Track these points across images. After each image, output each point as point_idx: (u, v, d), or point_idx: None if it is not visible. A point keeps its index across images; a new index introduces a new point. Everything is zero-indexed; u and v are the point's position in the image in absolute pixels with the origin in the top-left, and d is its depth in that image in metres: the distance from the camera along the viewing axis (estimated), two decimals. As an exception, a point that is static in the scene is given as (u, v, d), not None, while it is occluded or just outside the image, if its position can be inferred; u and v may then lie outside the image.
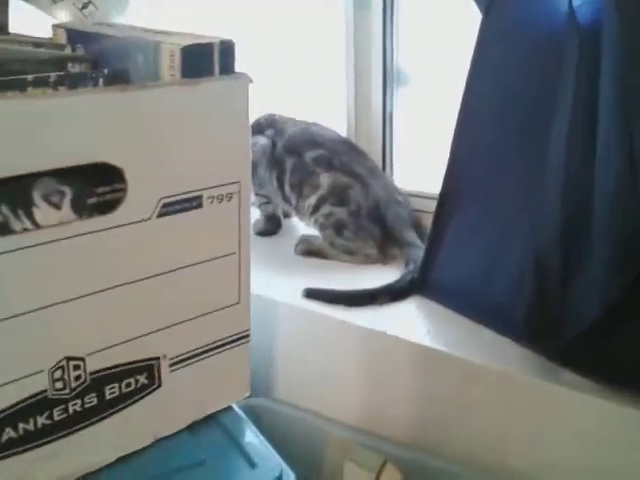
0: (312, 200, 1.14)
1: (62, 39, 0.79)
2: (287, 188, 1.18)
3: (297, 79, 1.36)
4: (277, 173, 1.20)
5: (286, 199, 1.20)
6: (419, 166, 1.25)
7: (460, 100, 0.94)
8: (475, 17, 0.93)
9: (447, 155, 0.95)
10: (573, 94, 0.78)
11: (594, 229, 0.74)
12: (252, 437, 0.74)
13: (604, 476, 0.76)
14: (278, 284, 1.06)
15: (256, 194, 1.25)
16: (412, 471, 0.83)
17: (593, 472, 0.77)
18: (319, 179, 1.14)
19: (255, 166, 1.23)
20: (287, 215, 1.32)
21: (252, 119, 1.17)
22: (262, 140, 1.21)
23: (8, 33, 0.86)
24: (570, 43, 0.80)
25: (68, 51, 0.76)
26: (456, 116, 0.94)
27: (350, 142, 1.22)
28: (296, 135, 1.20)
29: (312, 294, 1.00)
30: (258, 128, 1.23)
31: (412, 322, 0.92)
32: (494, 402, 0.82)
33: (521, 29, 0.89)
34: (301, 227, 1.25)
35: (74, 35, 0.78)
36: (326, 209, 1.12)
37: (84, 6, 1.09)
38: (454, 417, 0.86)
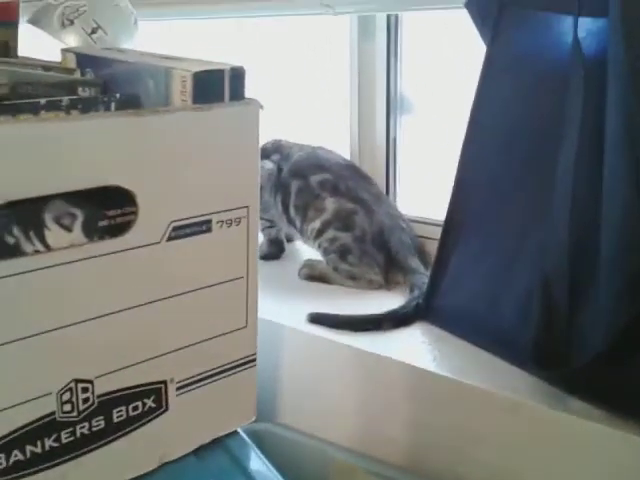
0: (317, 224, 1.14)
1: (71, 63, 0.80)
2: (292, 211, 1.19)
3: (303, 106, 1.37)
4: (282, 197, 1.20)
5: (290, 222, 1.20)
6: (422, 193, 1.25)
7: (465, 129, 0.94)
8: (479, 47, 0.94)
9: (451, 183, 0.96)
10: (580, 124, 0.79)
11: (602, 258, 0.74)
12: (257, 462, 0.74)
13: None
14: (283, 308, 1.06)
15: (260, 218, 1.25)
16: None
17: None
18: (324, 203, 1.14)
19: (260, 190, 1.23)
20: (290, 239, 1.32)
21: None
22: (268, 165, 1.22)
23: (17, 56, 0.87)
24: (575, 74, 0.80)
25: (77, 75, 0.77)
26: (460, 145, 0.94)
27: (355, 166, 1.22)
28: (302, 159, 1.21)
29: (316, 319, 1.00)
30: (264, 153, 1.23)
31: (418, 348, 0.91)
32: (500, 430, 0.82)
33: (526, 60, 0.89)
34: (305, 251, 1.25)
35: (83, 59, 0.79)
36: (330, 234, 1.12)
37: (93, 31, 1.11)
38: (460, 445, 0.86)
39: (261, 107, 0.68)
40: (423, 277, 1.04)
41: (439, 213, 0.99)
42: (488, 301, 0.89)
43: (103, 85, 0.74)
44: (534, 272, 0.82)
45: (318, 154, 1.22)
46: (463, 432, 0.85)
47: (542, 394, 0.79)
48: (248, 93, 0.67)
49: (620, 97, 0.73)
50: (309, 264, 1.17)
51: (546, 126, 0.84)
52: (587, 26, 0.80)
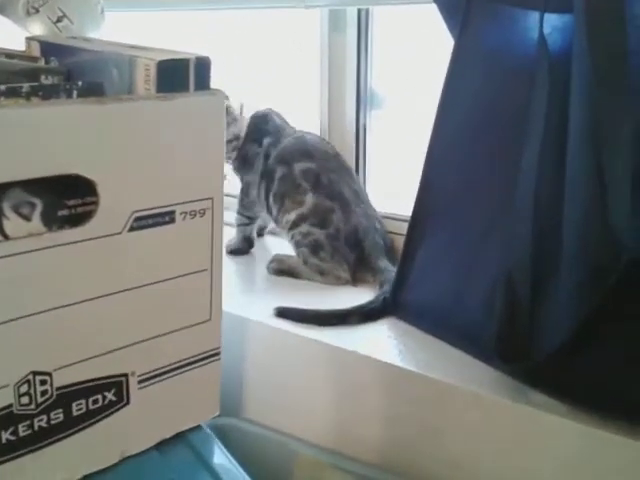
0: (292, 216, 1.14)
1: (35, 52, 0.79)
2: (271, 198, 1.18)
3: (272, 99, 1.36)
4: (265, 184, 1.19)
5: (269, 209, 1.20)
6: (391, 188, 1.25)
7: (432, 123, 0.94)
8: (448, 42, 0.94)
9: (419, 177, 0.96)
10: (544, 120, 0.79)
11: (564, 252, 0.75)
12: (221, 457, 0.73)
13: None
14: (249, 302, 1.05)
15: (240, 214, 1.25)
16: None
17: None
18: (304, 197, 1.13)
19: (248, 187, 1.23)
20: (260, 234, 1.31)
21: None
22: (259, 161, 1.22)
23: (-20, 45, 0.85)
24: (541, 69, 0.81)
25: (41, 63, 0.76)
26: (428, 138, 0.95)
27: (340, 158, 1.21)
28: (289, 144, 1.19)
29: (283, 313, 0.99)
30: (260, 132, 1.23)
31: (384, 342, 0.91)
32: (464, 423, 0.82)
33: (493, 54, 0.90)
34: (273, 246, 1.25)
35: (48, 48, 0.78)
36: (305, 228, 1.12)
37: (59, 19, 1.09)
38: (425, 438, 0.86)
39: (226, 98, 0.67)
40: (392, 274, 1.04)
41: (408, 209, 0.98)
42: (453, 295, 0.89)
43: (67, 74, 0.73)
44: (498, 266, 0.82)
45: (306, 140, 1.20)
46: (427, 425, 0.86)
47: (505, 388, 0.80)
48: (216, 84, 0.67)
49: (583, 93, 0.73)
50: (278, 258, 1.16)
51: (512, 121, 0.85)
52: (553, 22, 0.80)
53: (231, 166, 1.25)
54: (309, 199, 1.13)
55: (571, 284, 0.73)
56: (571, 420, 0.74)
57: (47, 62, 0.76)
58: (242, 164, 1.24)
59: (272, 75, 1.40)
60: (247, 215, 1.25)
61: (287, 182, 1.15)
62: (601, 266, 0.69)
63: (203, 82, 0.66)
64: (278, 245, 1.24)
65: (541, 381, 0.77)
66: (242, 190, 1.25)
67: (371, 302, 1.00)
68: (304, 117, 1.31)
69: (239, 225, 1.26)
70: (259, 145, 1.23)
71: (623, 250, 0.66)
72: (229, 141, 1.20)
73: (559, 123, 0.77)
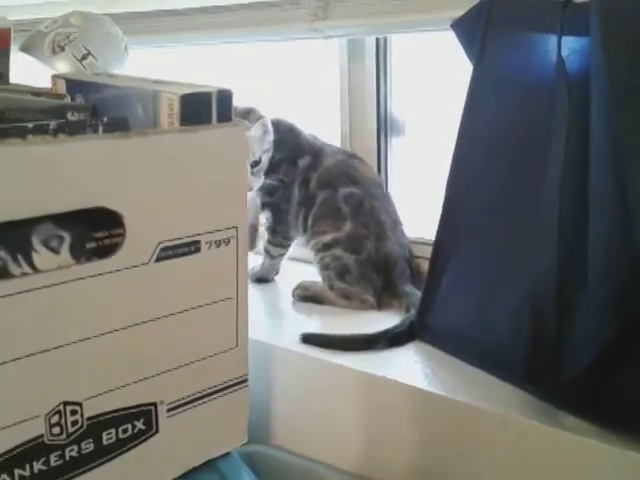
0: (327, 238, 1.13)
1: (61, 89, 0.81)
2: (310, 220, 1.16)
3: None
4: (305, 210, 1.18)
5: (305, 230, 1.18)
6: (414, 213, 1.26)
7: (453, 149, 0.95)
8: (467, 66, 0.95)
9: (441, 202, 0.97)
10: (565, 140, 0.80)
11: (589, 272, 0.74)
12: (250, 484, 0.74)
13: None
14: (275, 329, 1.06)
15: (271, 243, 1.22)
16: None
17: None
18: (343, 222, 1.12)
19: (282, 214, 1.20)
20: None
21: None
22: (295, 187, 1.19)
23: (9, 83, 0.88)
24: (560, 92, 0.81)
25: (67, 100, 0.78)
26: (449, 164, 0.95)
27: (382, 185, 1.20)
28: (333, 166, 1.17)
29: (309, 339, 0.99)
30: (297, 152, 1.19)
31: (410, 366, 0.91)
32: (493, 446, 0.81)
33: (512, 78, 0.90)
34: (296, 274, 1.25)
35: (73, 85, 0.80)
36: (337, 252, 1.11)
37: (84, 57, 1.12)
38: (454, 462, 0.85)
39: (248, 128, 0.69)
40: (418, 298, 1.04)
41: (431, 234, 0.99)
42: (479, 318, 0.89)
43: (92, 110, 0.74)
44: (523, 287, 0.82)
45: (351, 164, 1.18)
46: (456, 449, 0.85)
47: (534, 410, 0.79)
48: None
49: (603, 113, 0.74)
50: (303, 285, 1.16)
51: (533, 143, 0.85)
52: (570, 44, 0.81)
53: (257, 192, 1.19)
54: (348, 224, 1.12)
55: (598, 303, 0.72)
56: (602, 442, 0.73)
57: (73, 99, 0.78)
58: (274, 191, 1.19)
59: (292, 104, 1.41)
60: (282, 244, 1.22)
61: (329, 205, 1.14)
62: (627, 285, 0.69)
63: (225, 114, 0.67)
64: (298, 269, 1.25)
65: (570, 402, 0.77)
66: (274, 217, 1.21)
67: (397, 326, 1.00)
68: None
69: (269, 253, 1.23)
70: (294, 166, 1.20)
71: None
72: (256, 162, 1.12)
73: (580, 143, 0.78)
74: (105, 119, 0.66)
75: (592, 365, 0.72)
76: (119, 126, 0.66)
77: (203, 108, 0.66)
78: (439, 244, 0.97)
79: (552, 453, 0.77)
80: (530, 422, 0.78)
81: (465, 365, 0.90)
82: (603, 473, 0.74)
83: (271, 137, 1.13)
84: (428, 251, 1.00)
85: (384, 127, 1.28)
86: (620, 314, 0.70)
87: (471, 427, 0.83)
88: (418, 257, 1.16)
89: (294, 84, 1.43)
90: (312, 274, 1.17)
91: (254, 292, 1.18)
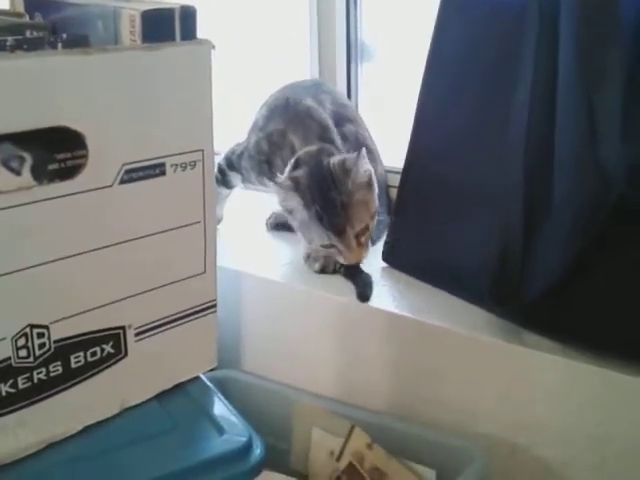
0: None
1: (20, 8, 0.78)
2: None
3: (262, 50, 1.35)
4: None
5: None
6: (383, 140, 1.25)
7: (422, 74, 0.94)
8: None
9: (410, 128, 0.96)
10: (534, 63, 0.79)
11: (555, 193, 0.75)
12: (220, 406, 0.74)
13: (569, 433, 0.78)
14: (247, 256, 1.07)
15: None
16: (381, 435, 0.84)
17: (559, 430, 0.78)
18: None
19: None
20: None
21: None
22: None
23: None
24: (530, 12, 0.80)
25: (26, 19, 0.75)
26: (418, 90, 0.94)
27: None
28: None
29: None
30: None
31: (378, 290, 0.92)
32: (460, 365, 0.83)
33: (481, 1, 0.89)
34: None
35: (32, 4, 0.77)
36: None
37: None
38: (422, 381, 0.87)
39: (213, 47, 0.67)
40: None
41: (401, 162, 0.98)
42: (446, 242, 0.89)
43: (52, 28, 0.72)
44: (490, 213, 0.83)
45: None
46: (423, 369, 0.87)
47: (499, 329, 0.81)
48: (202, 35, 0.66)
49: (573, 34, 0.73)
50: (276, 214, 1.16)
51: (501, 66, 0.84)
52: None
53: None
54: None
55: (562, 224, 0.73)
56: (562, 357, 0.75)
57: (31, 18, 0.76)
58: None
59: (260, 31, 1.38)
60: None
61: None
62: (592, 203, 0.70)
63: (189, 32, 0.66)
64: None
65: (533, 321, 0.79)
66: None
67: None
68: (294, 70, 1.30)
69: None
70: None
71: (613, 185, 0.66)
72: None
73: (549, 65, 0.77)
74: (64, 36, 0.64)
75: (555, 284, 0.74)
76: (79, 43, 0.63)
77: (166, 25, 0.64)
78: (407, 171, 0.97)
79: (517, 370, 0.79)
80: (496, 341, 0.79)
81: (432, 289, 0.91)
82: (566, 387, 0.77)
83: None
84: (397, 179, 1.00)
85: (354, 53, 1.26)
86: (584, 233, 0.70)
87: (439, 347, 0.84)
88: (389, 186, 1.16)
89: (262, 11, 1.40)
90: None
91: (227, 221, 1.18)
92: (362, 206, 0.93)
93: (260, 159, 1.07)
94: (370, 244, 0.96)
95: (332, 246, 0.93)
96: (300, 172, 0.96)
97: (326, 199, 0.92)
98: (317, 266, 0.98)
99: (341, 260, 0.94)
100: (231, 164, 1.13)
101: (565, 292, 0.73)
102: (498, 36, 0.86)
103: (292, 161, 0.99)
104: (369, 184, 0.94)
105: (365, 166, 0.94)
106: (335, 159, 0.95)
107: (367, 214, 0.93)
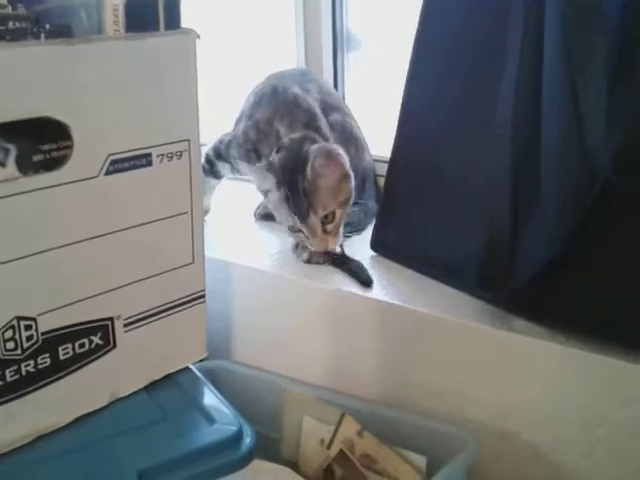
0: None
1: (1, -1, 0.77)
2: None
3: (248, 40, 1.35)
4: None
5: None
6: (370, 129, 1.25)
7: (409, 56, 0.94)
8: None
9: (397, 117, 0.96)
10: (519, 51, 0.79)
11: (542, 180, 0.75)
12: (210, 396, 0.74)
13: (558, 418, 0.78)
14: (236, 246, 1.06)
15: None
16: (371, 423, 0.84)
17: (548, 415, 0.79)
18: None
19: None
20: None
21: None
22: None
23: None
24: (516, 1, 0.80)
25: (8, 10, 0.74)
26: (406, 72, 0.94)
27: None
28: None
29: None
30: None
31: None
32: (449, 352, 0.83)
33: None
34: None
35: (14, -5, 0.76)
36: None
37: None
38: (412, 369, 0.87)
39: (198, 37, 0.66)
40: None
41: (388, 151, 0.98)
42: (433, 229, 0.90)
43: (35, 19, 0.71)
44: (478, 201, 0.83)
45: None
46: (413, 356, 0.87)
47: (487, 316, 0.81)
48: (188, 24, 0.66)
49: (558, 19, 0.73)
50: (264, 204, 1.15)
51: (488, 52, 0.84)
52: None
53: None
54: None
55: (549, 210, 0.73)
56: (550, 342, 0.76)
57: (14, 9, 0.75)
58: None
59: (246, 16, 1.38)
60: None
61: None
62: (578, 189, 0.70)
63: (173, 21, 0.65)
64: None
65: (521, 306, 0.79)
66: None
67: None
68: (280, 59, 1.29)
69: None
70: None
71: (599, 171, 0.66)
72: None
73: (535, 54, 0.77)
74: (47, 26, 0.63)
75: (543, 270, 0.74)
76: (62, 34, 0.63)
77: (149, 15, 0.64)
78: (394, 160, 0.97)
79: (506, 356, 0.80)
80: (484, 327, 0.80)
81: (421, 276, 0.91)
82: (554, 372, 0.77)
83: None
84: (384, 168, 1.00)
85: (340, 42, 1.26)
86: (570, 219, 0.71)
87: (429, 335, 0.85)
88: (379, 175, 1.16)
89: (248, 0, 1.40)
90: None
91: (214, 212, 1.18)
92: (328, 193, 0.93)
93: (247, 148, 1.07)
94: (341, 232, 0.96)
95: (300, 231, 0.94)
96: (278, 155, 0.97)
97: (292, 182, 0.93)
98: (305, 256, 0.98)
99: (310, 246, 0.95)
100: (219, 154, 1.13)
101: (552, 277, 0.73)
102: (483, 24, 0.86)
103: (276, 148, 0.99)
104: (343, 173, 0.94)
105: (341, 154, 0.94)
106: (315, 146, 0.95)
107: (333, 201, 0.93)
